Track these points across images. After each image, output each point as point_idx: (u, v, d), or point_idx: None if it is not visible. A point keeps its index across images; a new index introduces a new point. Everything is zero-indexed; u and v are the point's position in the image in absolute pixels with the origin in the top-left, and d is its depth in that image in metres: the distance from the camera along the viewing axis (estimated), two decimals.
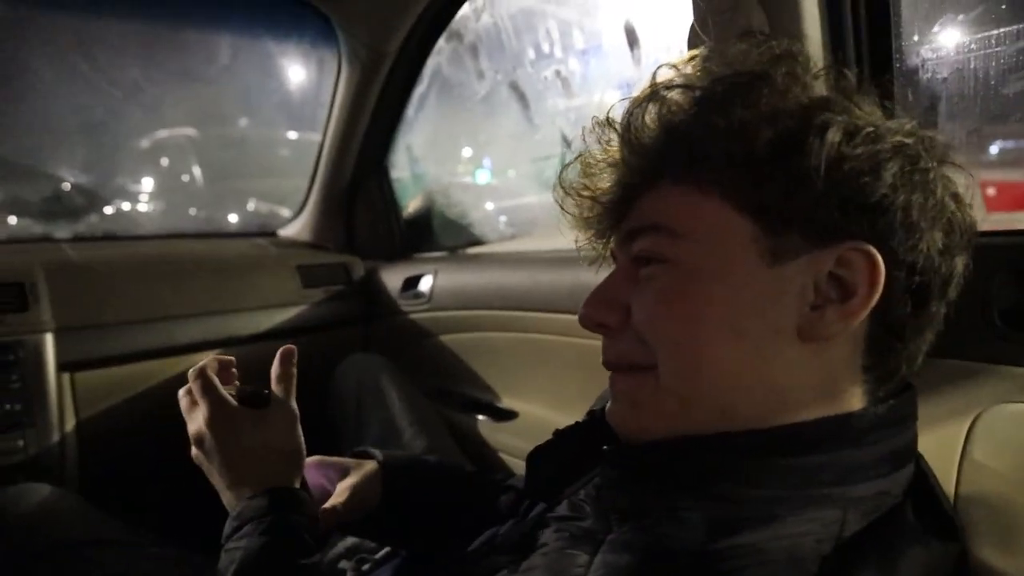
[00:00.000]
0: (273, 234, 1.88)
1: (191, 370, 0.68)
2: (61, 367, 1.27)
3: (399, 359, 1.42)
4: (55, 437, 1.26)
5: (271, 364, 0.72)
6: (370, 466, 0.78)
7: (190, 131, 4.42)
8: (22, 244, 1.57)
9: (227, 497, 0.66)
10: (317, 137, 1.67)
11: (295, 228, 1.83)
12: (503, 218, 1.92)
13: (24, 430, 1.22)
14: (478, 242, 1.75)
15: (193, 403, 0.68)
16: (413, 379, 1.36)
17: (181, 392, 0.69)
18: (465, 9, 1.50)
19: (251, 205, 4.65)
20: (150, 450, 1.45)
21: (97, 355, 1.32)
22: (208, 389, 0.67)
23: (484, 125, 1.98)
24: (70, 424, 1.28)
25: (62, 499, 1.05)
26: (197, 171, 4.42)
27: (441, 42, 1.57)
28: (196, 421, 0.67)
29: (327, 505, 0.71)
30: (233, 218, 4.47)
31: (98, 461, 1.33)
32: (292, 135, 4.76)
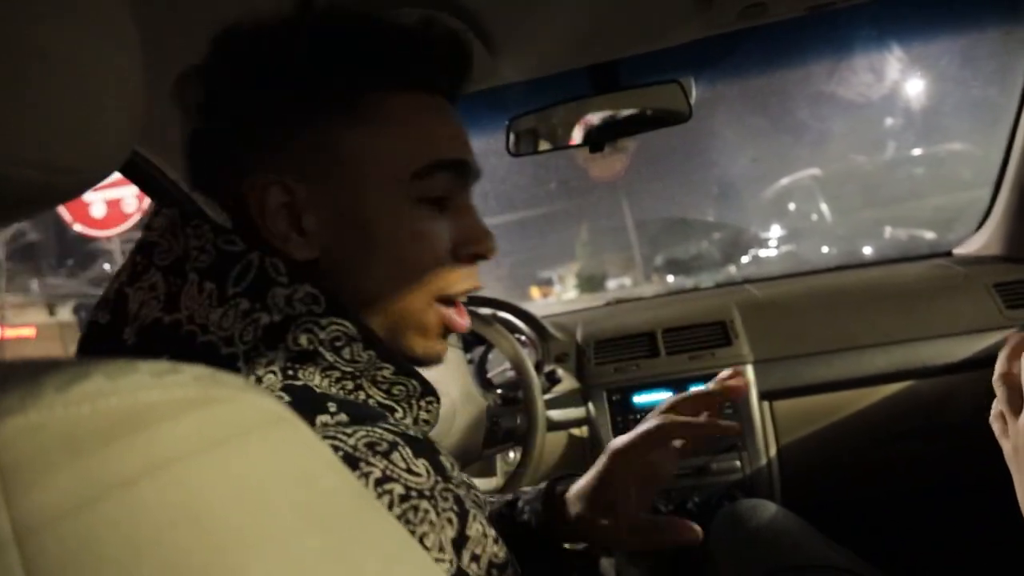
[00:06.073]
0: (948, 253, 1.68)
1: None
2: (762, 396, 1.40)
3: None
4: (763, 459, 1.37)
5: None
6: None
7: (815, 171, 4.54)
8: (717, 289, 1.82)
9: None
10: (952, 146, 1.43)
11: (977, 243, 1.60)
12: None
13: (739, 452, 1.38)
14: None
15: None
16: None
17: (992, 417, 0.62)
18: None
19: (887, 233, 4.41)
20: (847, 477, 1.45)
21: (790, 385, 1.40)
22: None
23: None
24: (772, 448, 1.38)
25: (787, 519, 1.11)
26: (825, 208, 4.48)
27: None
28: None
29: None
30: (868, 250, 4.33)
31: (799, 483, 1.39)
32: (916, 151, 4.36)
